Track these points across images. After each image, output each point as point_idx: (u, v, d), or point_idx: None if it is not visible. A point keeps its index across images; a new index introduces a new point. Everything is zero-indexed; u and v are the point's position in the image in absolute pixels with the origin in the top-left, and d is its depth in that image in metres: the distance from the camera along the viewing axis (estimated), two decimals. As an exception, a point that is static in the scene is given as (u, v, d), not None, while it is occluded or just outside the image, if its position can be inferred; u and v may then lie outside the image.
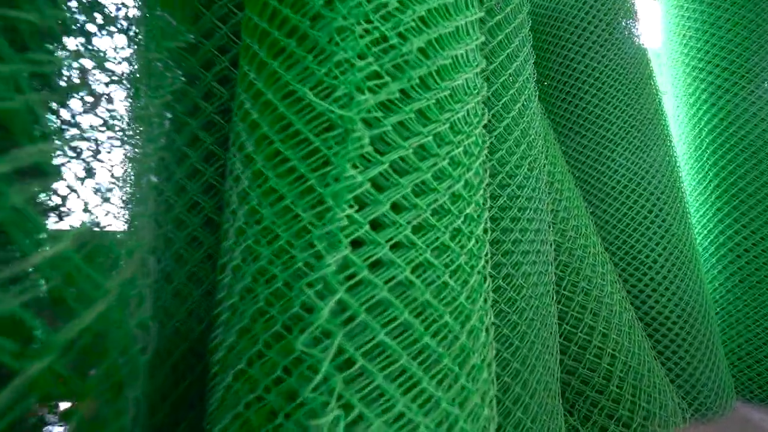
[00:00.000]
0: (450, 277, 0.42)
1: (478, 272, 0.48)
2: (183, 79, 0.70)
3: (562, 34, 1.55)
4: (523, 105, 0.93)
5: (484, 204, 0.51)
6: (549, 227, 1.02)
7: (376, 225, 0.40)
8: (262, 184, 0.43)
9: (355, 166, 0.39)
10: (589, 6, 1.53)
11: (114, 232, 0.42)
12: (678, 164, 1.59)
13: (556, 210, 1.26)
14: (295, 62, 0.44)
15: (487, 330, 0.51)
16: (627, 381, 1.18)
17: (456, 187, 0.44)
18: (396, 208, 0.41)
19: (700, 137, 1.78)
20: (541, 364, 0.88)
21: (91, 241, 0.34)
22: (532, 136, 0.93)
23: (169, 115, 0.75)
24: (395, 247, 0.40)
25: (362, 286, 0.38)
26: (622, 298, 1.30)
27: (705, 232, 1.77)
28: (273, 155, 0.43)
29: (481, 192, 0.50)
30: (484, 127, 0.89)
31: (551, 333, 0.95)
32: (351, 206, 0.38)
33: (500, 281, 0.81)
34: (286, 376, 0.37)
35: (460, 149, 0.45)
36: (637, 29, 1.59)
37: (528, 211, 0.89)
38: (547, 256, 0.97)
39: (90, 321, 0.27)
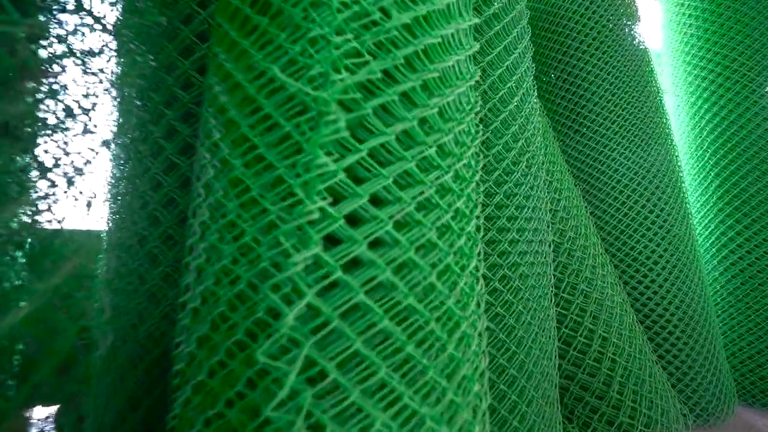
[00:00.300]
0: (437, 278, 0.38)
1: (470, 273, 0.44)
2: (154, 63, 0.65)
3: (561, 30, 1.51)
4: (521, 99, 0.89)
5: (477, 199, 0.47)
6: (547, 227, 0.98)
7: (354, 220, 0.36)
8: (228, 173, 0.38)
9: (329, 154, 0.34)
10: (588, 2, 1.49)
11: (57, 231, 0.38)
12: (679, 164, 1.55)
13: (554, 210, 1.22)
14: (267, 41, 0.40)
15: (479, 337, 0.46)
16: (628, 386, 1.13)
17: (445, 178, 0.40)
18: (376, 201, 0.37)
19: (701, 136, 1.74)
20: (538, 370, 0.83)
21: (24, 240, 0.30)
22: (531, 132, 0.89)
23: (144, 105, 0.71)
24: (375, 245, 0.36)
25: (337, 289, 0.34)
26: (623, 300, 1.26)
27: (706, 233, 1.73)
28: (241, 141, 0.39)
29: (474, 185, 0.46)
30: (480, 121, 0.85)
31: (549, 337, 0.91)
32: (324, 198, 0.33)
33: (496, 283, 0.77)
34: (249, 391, 0.33)
35: (450, 137, 0.41)
36: (637, 28, 1.56)
37: (526, 209, 0.85)
38: (545, 257, 0.93)
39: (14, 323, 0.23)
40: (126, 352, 0.66)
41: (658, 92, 1.59)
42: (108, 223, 0.77)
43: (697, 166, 1.76)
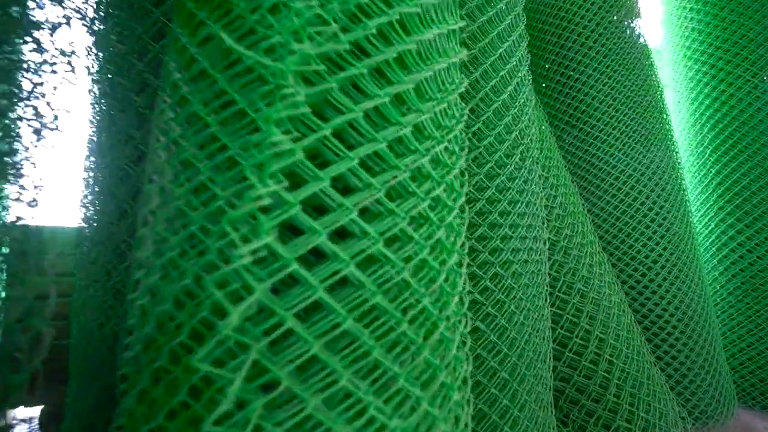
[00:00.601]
0: (411, 274, 0.34)
1: (451, 270, 0.40)
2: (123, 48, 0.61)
3: (558, 23, 1.47)
4: (515, 89, 0.85)
5: (461, 187, 0.43)
6: (542, 224, 0.94)
7: (319, 209, 0.32)
8: (179, 155, 0.34)
9: (287, 132, 0.30)
10: (587, -7, 1.45)
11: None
12: (679, 160, 1.51)
13: (551, 206, 1.18)
14: (225, 11, 0.36)
15: (462, 341, 0.42)
16: (625, 389, 1.10)
17: (422, 163, 0.36)
18: (345, 189, 0.33)
19: (701, 133, 1.71)
20: (532, 373, 0.80)
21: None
22: (525, 123, 0.85)
23: (114, 92, 0.67)
24: (339, 236, 0.32)
25: (294, 286, 0.30)
26: (621, 300, 1.23)
27: (706, 231, 1.69)
28: (194, 120, 0.34)
29: (456, 172, 0.42)
30: (472, 112, 0.81)
31: (544, 339, 0.87)
32: (280, 182, 0.29)
33: (487, 282, 0.73)
34: (192, 401, 0.29)
35: (428, 117, 0.37)
36: (638, 23, 1.52)
37: (519, 204, 0.81)
38: (540, 255, 0.89)
39: None
40: (94, 350, 0.62)
41: (659, 88, 1.55)
42: (82, 219, 0.73)
43: (698, 163, 1.72)
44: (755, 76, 1.60)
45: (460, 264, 0.44)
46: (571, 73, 1.44)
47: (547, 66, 1.51)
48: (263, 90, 0.31)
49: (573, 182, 1.34)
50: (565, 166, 1.36)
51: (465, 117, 0.49)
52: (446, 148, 0.40)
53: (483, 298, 0.72)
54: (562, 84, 1.46)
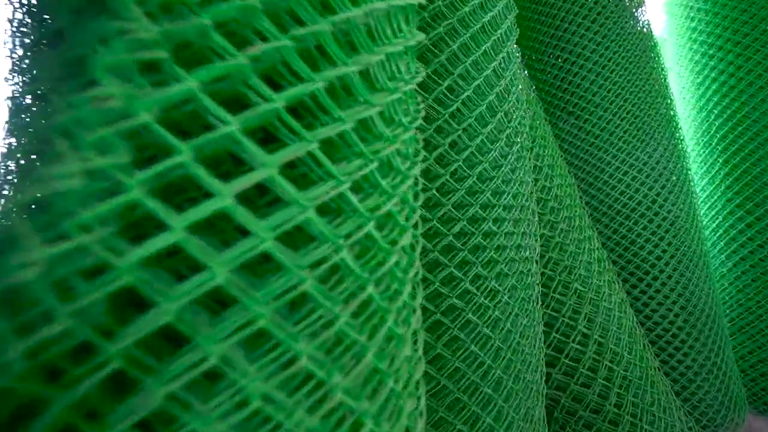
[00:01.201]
0: (355, 255, 0.24)
1: (403, 252, 0.31)
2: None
3: (553, 2, 1.36)
4: (500, 64, 0.75)
5: (414, 154, 0.34)
6: (534, 217, 0.85)
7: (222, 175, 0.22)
8: None
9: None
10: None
11: None
12: (685, 149, 1.41)
13: (544, 199, 1.08)
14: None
15: (413, 338, 0.33)
16: (627, 399, 1.00)
17: (370, 115, 0.26)
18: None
19: (708, 120, 1.60)
20: (520, 386, 0.70)
21: None
22: (512, 103, 0.75)
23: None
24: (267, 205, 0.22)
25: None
26: (622, 300, 1.13)
27: (714, 225, 1.59)
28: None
29: (403, 119, 0.32)
30: (450, 91, 0.71)
31: (535, 346, 0.77)
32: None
33: (467, 284, 0.64)
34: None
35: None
36: (641, 11, 1.41)
37: (505, 196, 0.71)
38: (530, 253, 0.79)
39: None
40: None
41: (662, 72, 1.44)
42: None
43: (704, 152, 1.61)
44: (767, 58, 1.49)
45: (413, 247, 0.35)
46: (568, 56, 1.34)
47: (542, 49, 1.41)
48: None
49: (569, 173, 1.24)
50: (561, 156, 1.26)
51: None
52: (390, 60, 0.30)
53: (463, 303, 0.63)
54: (558, 68, 1.36)
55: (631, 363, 1.03)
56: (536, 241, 0.83)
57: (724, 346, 1.31)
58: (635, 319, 1.14)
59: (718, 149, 1.56)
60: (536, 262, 0.82)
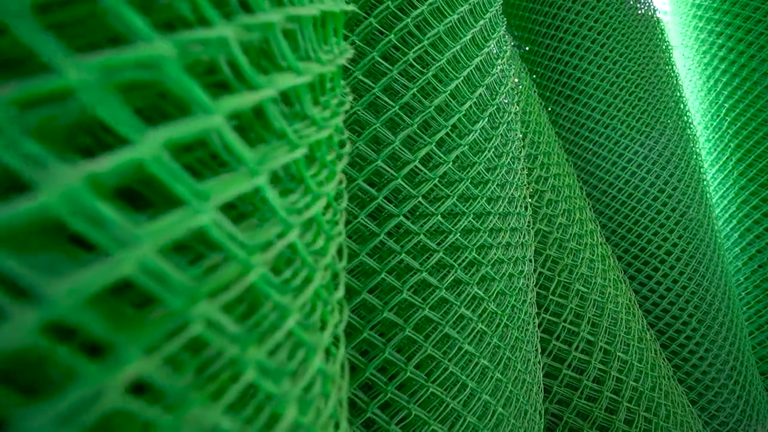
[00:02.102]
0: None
1: (320, 228, 0.20)
2: None
3: (547, -23, 1.25)
4: (482, 31, 0.64)
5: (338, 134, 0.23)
6: (526, 211, 0.73)
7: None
8: None
9: None
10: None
11: None
12: (695, 135, 1.29)
13: (540, 190, 0.97)
14: None
15: (331, 345, 0.22)
16: (638, 414, 0.89)
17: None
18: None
19: (717, 102, 1.48)
20: (512, 411, 0.59)
21: None
22: (495, 77, 0.64)
23: None
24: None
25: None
26: (629, 301, 1.02)
27: (726, 215, 1.47)
28: None
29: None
30: (420, 61, 0.60)
31: (530, 361, 0.66)
32: None
33: (443, 292, 0.53)
34: None
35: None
36: None
37: (489, 186, 0.60)
38: (522, 252, 0.68)
39: None
40: None
41: (668, 53, 1.32)
42: None
43: (714, 137, 1.50)
44: (779, 33, 1.38)
45: (335, 223, 0.24)
46: (563, 35, 1.22)
47: (536, 29, 1.29)
48: None
49: (568, 162, 1.13)
50: (559, 142, 1.15)
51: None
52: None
53: (438, 316, 0.52)
54: (554, 48, 1.24)
55: (642, 372, 0.92)
56: (530, 238, 0.72)
57: (743, 348, 1.19)
58: (645, 322, 1.03)
59: (729, 133, 1.44)
60: (530, 261, 0.70)
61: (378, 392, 0.49)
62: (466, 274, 0.56)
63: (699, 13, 1.54)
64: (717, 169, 1.49)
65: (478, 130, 0.59)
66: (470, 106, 0.59)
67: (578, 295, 0.92)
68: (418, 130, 0.54)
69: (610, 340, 0.92)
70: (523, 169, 0.84)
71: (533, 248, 0.73)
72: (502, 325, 0.59)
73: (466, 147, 0.57)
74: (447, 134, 0.56)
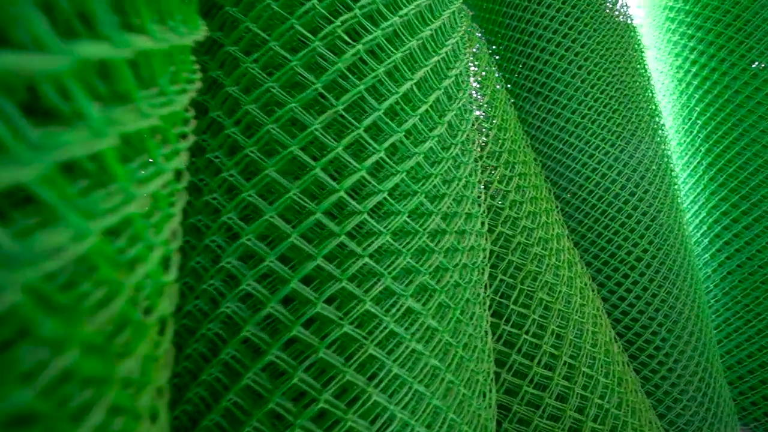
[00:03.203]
0: None
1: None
2: None
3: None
4: (431, 5, 0.55)
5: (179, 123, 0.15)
6: (478, 209, 0.66)
7: None
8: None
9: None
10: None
11: None
12: (667, 138, 1.25)
13: (504, 190, 0.90)
14: None
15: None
16: (604, 433, 0.82)
17: None
18: None
19: (689, 106, 1.46)
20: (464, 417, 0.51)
21: None
22: (443, 57, 0.56)
23: None
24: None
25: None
26: (597, 311, 0.95)
27: (697, 221, 1.44)
28: None
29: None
30: (349, 33, 0.52)
31: (479, 387, 0.58)
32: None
33: (368, 305, 0.44)
34: None
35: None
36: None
37: (432, 182, 0.52)
38: (473, 259, 0.60)
39: None
40: None
41: (639, 51, 1.28)
42: None
43: (685, 141, 1.46)
44: (750, 36, 1.36)
45: (172, 204, 0.16)
46: (533, 29, 1.16)
47: (506, 22, 1.23)
48: None
49: (536, 161, 1.07)
50: (526, 140, 1.08)
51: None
52: None
53: (362, 335, 0.43)
54: (524, 43, 1.18)
55: (608, 388, 0.85)
56: (482, 242, 0.64)
57: (712, 359, 1.15)
58: (612, 333, 0.96)
59: (699, 137, 1.41)
60: (482, 271, 0.62)
61: (311, 400, 0.40)
62: (401, 283, 0.47)
63: (672, 15, 1.52)
64: (688, 174, 1.46)
65: (420, 116, 0.51)
66: (411, 87, 0.51)
67: (541, 304, 0.84)
68: (344, 113, 0.45)
69: (575, 353, 0.85)
70: (492, 171, 0.77)
71: (487, 254, 0.65)
72: (439, 345, 0.51)
73: (403, 134, 0.49)
74: (380, 116, 0.47)
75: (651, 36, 1.59)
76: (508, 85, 1.22)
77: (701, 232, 1.42)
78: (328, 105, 0.44)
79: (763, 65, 1.33)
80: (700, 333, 1.13)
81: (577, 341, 0.85)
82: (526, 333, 0.82)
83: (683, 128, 1.47)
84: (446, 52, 0.56)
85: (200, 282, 0.44)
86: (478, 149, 0.89)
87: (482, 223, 0.64)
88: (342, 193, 0.42)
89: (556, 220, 0.97)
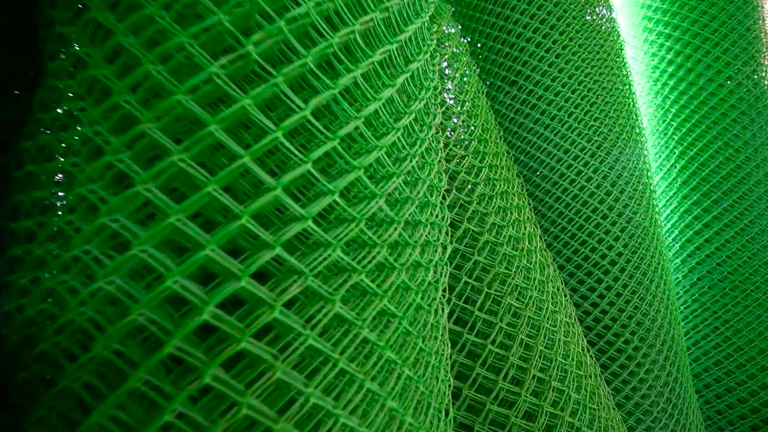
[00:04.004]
0: None
1: None
2: None
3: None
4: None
5: None
6: (436, 198, 0.56)
7: None
8: None
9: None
10: None
11: None
12: (644, 137, 1.20)
13: (474, 182, 0.80)
14: None
15: None
16: (573, 456, 0.74)
17: None
18: None
19: (664, 107, 1.42)
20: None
21: None
22: (407, 37, 0.45)
23: None
24: None
25: None
26: (569, 318, 0.88)
27: (668, 225, 1.41)
28: None
29: None
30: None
31: (434, 412, 0.48)
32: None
33: (311, 340, 0.32)
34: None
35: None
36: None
37: (381, 175, 0.41)
38: (429, 258, 0.50)
39: None
40: None
41: (618, 44, 1.23)
42: None
43: (659, 142, 1.43)
44: (726, 38, 1.33)
45: None
46: (509, 12, 1.08)
47: (480, 5, 1.14)
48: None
49: (509, 155, 0.98)
50: (500, 134, 0.99)
51: None
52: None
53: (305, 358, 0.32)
54: (499, 28, 1.10)
55: (580, 405, 0.77)
56: (441, 237, 0.54)
57: (683, 369, 1.10)
58: (584, 342, 0.89)
59: (674, 139, 1.38)
60: (440, 277, 0.52)
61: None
62: (324, 292, 0.36)
63: (649, 14, 1.48)
64: (661, 177, 1.43)
65: (359, 80, 0.40)
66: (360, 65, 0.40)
67: (510, 311, 0.75)
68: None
69: (545, 366, 0.76)
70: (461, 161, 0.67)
71: (447, 252, 0.55)
72: (381, 367, 0.40)
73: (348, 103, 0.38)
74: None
75: (628, 35, 1.55)
76: (481, 74, 1.13)
77: (672, 236, 1.39)
78: (266, 76, 0.32)
79: (737, 67, 1.31)
80: (672, 341, 1.08)
81: (547, 352, 0.76)
82: (493, 343, 0.73)
83: (658, 129, 1.43)
84: (411, 33, 0.46)
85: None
86: (444, 134, 0.79)
87: (442, 216, 0.54)
88: (278, 192, 0.31)
89: (528, 217, 0.89)
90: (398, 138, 0.44)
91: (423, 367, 0.46)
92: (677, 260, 1.38)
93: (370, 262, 0.37)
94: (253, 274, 0.29)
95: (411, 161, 0.44)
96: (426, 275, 0.46)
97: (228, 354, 0.28)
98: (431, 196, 0.50)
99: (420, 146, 0.47)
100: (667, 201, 1.41)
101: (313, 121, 0.33)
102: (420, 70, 0.50)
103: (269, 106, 0.38)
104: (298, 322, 0.32)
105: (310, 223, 0.32)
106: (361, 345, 0.38)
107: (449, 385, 0.53)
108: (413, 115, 0.46)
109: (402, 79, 0.44)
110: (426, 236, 0.47)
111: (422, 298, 0.44)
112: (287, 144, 0.32)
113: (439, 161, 0.77)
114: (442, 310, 0.54)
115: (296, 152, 0.32)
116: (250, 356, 0.29)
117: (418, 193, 0.45)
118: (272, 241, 0.30)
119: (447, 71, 0.89)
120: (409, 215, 0.44)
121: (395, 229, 0.40)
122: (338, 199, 0.34)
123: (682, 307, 1.36)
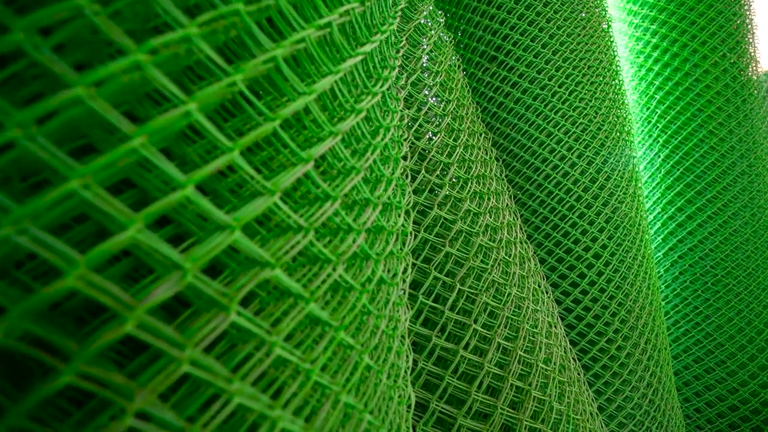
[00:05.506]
0: None
1: None
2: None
3: None
4: None
5: None
6: (394, 185, 0.45)
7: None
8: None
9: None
10: None
11: None
12: (630, 122, 1.13)
13: (446, 162, 0.70)
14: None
15: None
16: (555, 473, 0.66)
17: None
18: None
19: (648, 93, 1.36)
20: None
21: None
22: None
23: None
24: None
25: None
26: (551, 318, 0.79)
27: (651, 217, 1.36)
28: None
29: None
30: None
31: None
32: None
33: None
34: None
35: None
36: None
37: (352, 178, 0.30)
38: (386, 245, 0.39)
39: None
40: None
41: (605, 19, 1.15)
42: None
43: (644, 130, 1.37)
44: (712, 21, 1.28)
45: None
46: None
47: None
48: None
49: (486, 137, 0.88)
50: (478, 114, 0.89)
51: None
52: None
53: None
54: (481, 13, 0.99)
55: (562, 416, 0.69)
56: (403, 219, 0.43)
57: (666, 368, 1.05)
58: (567, 344, 0.81)
59: (658, 127, 1.32)
60: (402, 273, 0.42)
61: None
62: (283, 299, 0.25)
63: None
64: (644, 167, 1.37)
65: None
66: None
67: (485, 310, 0.66)
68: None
69: (525, 372, 0.67)
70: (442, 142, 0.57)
71: (408, 246, 0.45)
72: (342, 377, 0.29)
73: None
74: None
75: (612, 19, 1.48)
76: (458, 49, 1.03)
77: (655, 228, 1.33)
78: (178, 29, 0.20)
79: (723, 52, 1.26)
80: (656, 339, 1.01)
81: (527, 357, 0.67)
82: (465, 348, 0.64)
83: (641, 117, 1.37)
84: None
85: None
86: (414, 110, 0.68)
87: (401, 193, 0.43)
88: (188, 191, 0.19)
89: (507, 205, 0.79)
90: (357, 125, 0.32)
91: (371, 388, 0.35)
92: (659, 253, 1.32)
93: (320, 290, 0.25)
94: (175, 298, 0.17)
95: (372, 154, 0.33)
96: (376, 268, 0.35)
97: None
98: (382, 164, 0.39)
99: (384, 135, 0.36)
100: (650, 192, 1.35)
101: (248, 94, 0.21)
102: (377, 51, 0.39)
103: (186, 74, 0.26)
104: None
105: (238, 233, 0.20)
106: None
107: (405, 410, 0.43)
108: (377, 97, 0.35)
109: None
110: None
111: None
112: (202, 120, 0.19)
113: (407, 139, 0.66)
114: (404, 310, 0.44)
115: (221, 136, 0.20)
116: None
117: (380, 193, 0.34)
118: (181, 262, 0.18)
119: (422, 39, 0.78)
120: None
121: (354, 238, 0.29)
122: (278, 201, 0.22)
123: (663, 303, 1.31)
